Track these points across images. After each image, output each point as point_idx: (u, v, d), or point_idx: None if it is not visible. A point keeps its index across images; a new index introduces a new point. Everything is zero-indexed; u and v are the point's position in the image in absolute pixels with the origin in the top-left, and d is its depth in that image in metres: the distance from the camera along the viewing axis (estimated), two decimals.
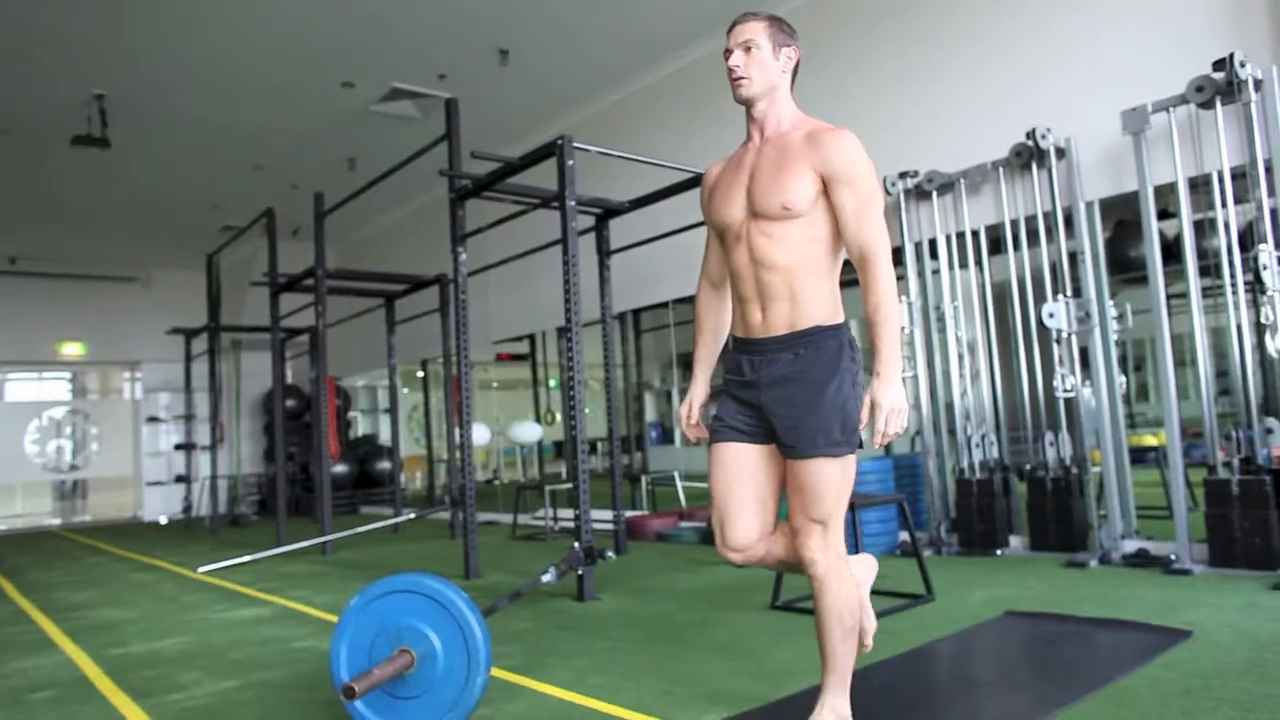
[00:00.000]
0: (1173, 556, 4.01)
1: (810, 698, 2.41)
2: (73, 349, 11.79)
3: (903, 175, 5.09)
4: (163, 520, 11.24)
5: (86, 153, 6.98)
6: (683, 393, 13.99)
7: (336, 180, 7.93)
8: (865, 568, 2.27)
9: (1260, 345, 3.88)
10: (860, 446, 2.05)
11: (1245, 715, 2.08)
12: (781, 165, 2.02)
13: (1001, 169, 4.74)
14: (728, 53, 2.11)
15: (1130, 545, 4.27)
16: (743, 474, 2.09)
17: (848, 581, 2.01)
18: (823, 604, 1.99)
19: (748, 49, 2.07)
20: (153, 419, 12.15)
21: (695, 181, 5.18)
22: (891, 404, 1.92)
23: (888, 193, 5.16)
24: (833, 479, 1.99)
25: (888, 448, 8.25)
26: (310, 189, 7.24)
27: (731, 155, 2.21)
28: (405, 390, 13.90)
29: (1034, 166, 4.60)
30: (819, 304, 2.01)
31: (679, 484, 8.20)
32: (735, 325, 2.16)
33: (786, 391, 2.00)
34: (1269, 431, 3.86)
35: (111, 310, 11.85)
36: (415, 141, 6.06)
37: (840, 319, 2.05)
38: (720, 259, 2.22)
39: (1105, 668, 2.52)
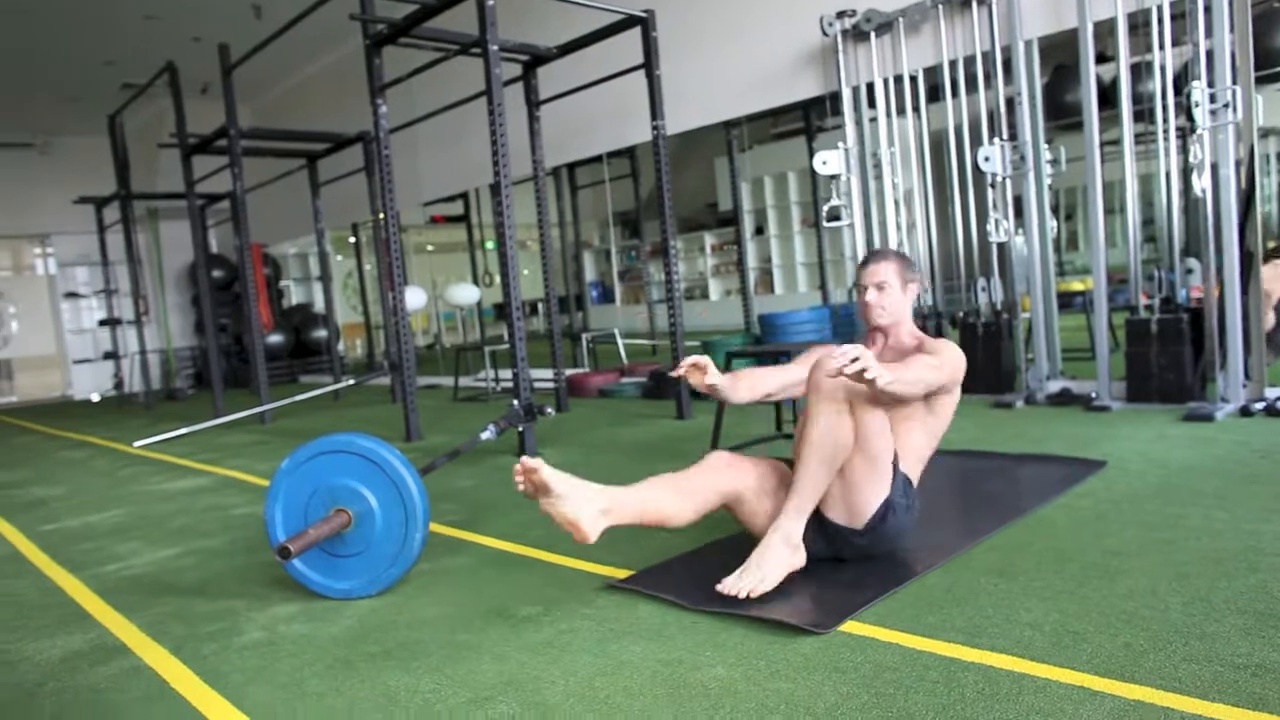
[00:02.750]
0: (1093, 394, 4.18)
1: (740, 541, 2.49)
2: None
3: (840, 15, 4.89)
4: (95, 398, 10.98)
5: None
6: (622, 251, 13.84)
7: (243, 31, 7.33)
8: None
9: (1186, 189, 3.92)
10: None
11: (1150, 534, 2.21)
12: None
13: (941, 6, 4.58)
14: (862, 288, 2.37)
15: (1055, 385, 4.43)
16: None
17: (843, 418, 2.02)
18: (805, 429, 2.04)
19: (880, 287, 2.35)
20: (71, 294, 11.64)
21: (626, 24, 4.93)
22: (873, 369, 1.86)
23: (824, 33, 4.97)
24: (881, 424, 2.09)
25: (825, 297, 8.37)
26: (214, 41, 6.71)
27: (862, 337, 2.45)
28: (339, 257, 13.52)
29: (974, 3, 4.45)
30: (907, 461, 2.23)
31: (619, 341, 8.23)
32: None
33: None
34: (1189, 272, 3.96)
35: (10, 180, 11.08)
36: None
37: (914, 480, 2.24)
38: (782, 379, 2.47)
39: (1026, 498, 2.65)
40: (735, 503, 2.21)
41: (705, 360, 2.26)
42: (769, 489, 2.21)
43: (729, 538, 2.48)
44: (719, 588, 1.99)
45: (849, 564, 2.17)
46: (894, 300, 2.35)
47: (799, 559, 2.06)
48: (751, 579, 1.98)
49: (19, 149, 11.11)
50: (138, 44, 8.41)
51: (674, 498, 2.12)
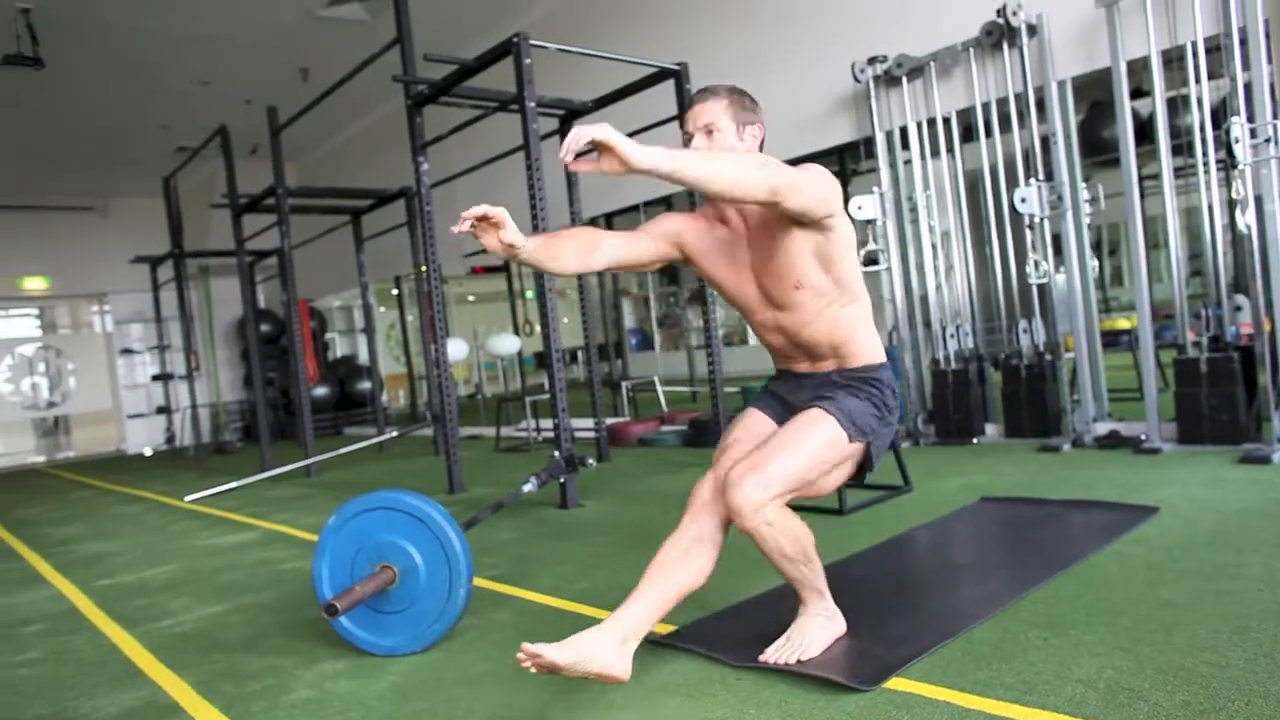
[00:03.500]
0: (1143, 436, 4.09)
1: (787, 589, 2.47)
2: (36, 283, 11.53)
3: (871, 61, 4.94)
4: (147, 452, 11.24)
5: (22, 74, 6.65)
6: (661, 297, 13.86)
7: (291, 94, 7.63)
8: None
9: (1231, 223, 3.86)
10: (870, 470, 2.04)
11: (1206, 584, 2.15)
12: (774, 252, 1.93)
13: (972, 50, 4.61)
14: (688, 136, 1.95)
15: (1102, 428, 4.34)
16: (751, 431, 2.09)
17: (778, 523, 1.86)
18: (766, 552, 1.91)
19: (709, 133, 1.93)
20: (127, 351, 11.99)
21: (660, 77, 5.02)
22: (599, 132, 1.55)
23: (856, 80, 5.02)
24: (818, 441, 1.90)
25: None
26: (264, 104, 6.98)
27: (704, 214, 2.06)
28: (382, 309, 13.78)
29: (1005, 46, 4.48)
30: (859, 348, 2.03)
31: (659, 389, 8.24)
32: (775, 359, 2.17)
33: (821, 390, 2.03)
34: (1238, 309, 3.88)
35: (72, 241, 11.54)
36: (369, 48, 5.80)
37: (881, 358, 2.06)
38: (624, 248, 1.98)
39: (1076, 546, 2.59)
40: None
41: (497, 212, 1.66)
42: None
43: (769, 591, 2.46)
44: (762, 659, 1.95)
45: (893, 617, 2.14)
46: (728, 143, 1.93)
47: (838, 626, 2.03)
48: (794, 650, 1.95)
49: (82, 211, 11.59)
50: (192, 108, 8.76)
51: (682, 568, 1.89)
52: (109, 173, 10.82)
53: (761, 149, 2.01)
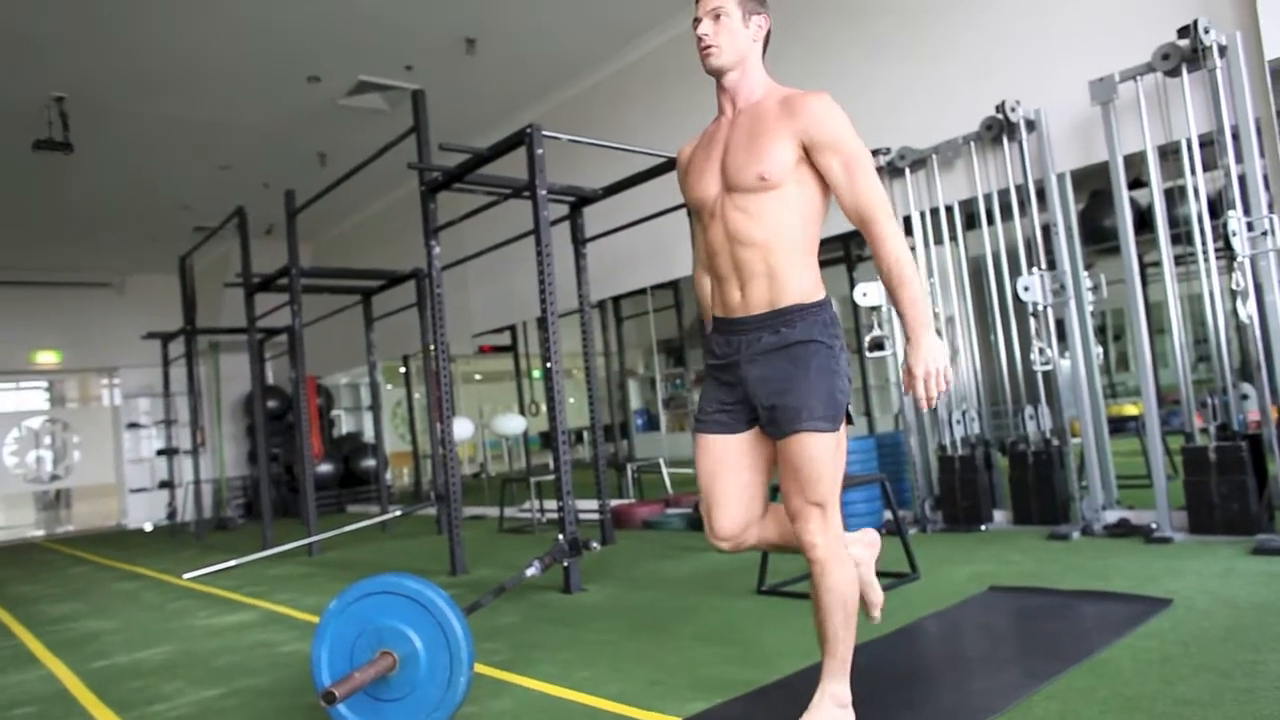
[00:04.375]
0: (1153, 525, 4.04)
1: (800, 680, 2.42)
2: (48, 358, 11.65)
3: (875, 152, 5.07)
4: (148, 527, 11.15)
5: (50, 157, 6.86)
6: (666, 379, 13.84)
7: (308, 177, 7.84)
8: (867, 546, 2.24)
9: (1234, 311, 3.90)
10: (851, 423, 2.00)
11: (1223, 681, 2.10)
12: (756, 135, 1.95)
13: (973, 143, 4.73)
14: (696, 21, 2.02)
15: (1112, 515, 4.30)
16: (726, 464, 2.04)
17: (848, 564, 1.95)
18: (823, 588, 1.92)
19: (716, 17, 1.99)
20: (133, 425, 12.03)
21: (668, 166, 5.16)
22: (928, 366, 1.85)
23: None
24: (823, 457, 1.91)
25: (872, 428, 8.30)
26: (282, 187, 7.16)
27: (705, 131, 2.15)
28: (389, 386, 13.84)
29: (1005, 140, 4.60)
30: (799, 281, 1.94)
31: (664, 471, 8.20)
32: (714, 305, 2.08)
33: (768, 370, 1.95)
34: (1244, 397, 3.89)
35: (86, 317, 11.71)
36: (385, 135, 6.00)
37: (821, 295, 1.98)
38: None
39: (1088, 639, 2.54)
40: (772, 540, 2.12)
41: (939, 377, 1.91)
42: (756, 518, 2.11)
43: (780, 681, 2.41)
44: None
45: (904, 712, 2.09)
46: (734, 34, 1.99)
47: (848, 717, 1.98)
48: None
49: (98, 288, 11.80)
50: (212, 190, 9.00)
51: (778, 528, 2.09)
52: (128, 250, 11.05)
53: (768, 40, 2.07)
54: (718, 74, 2.04)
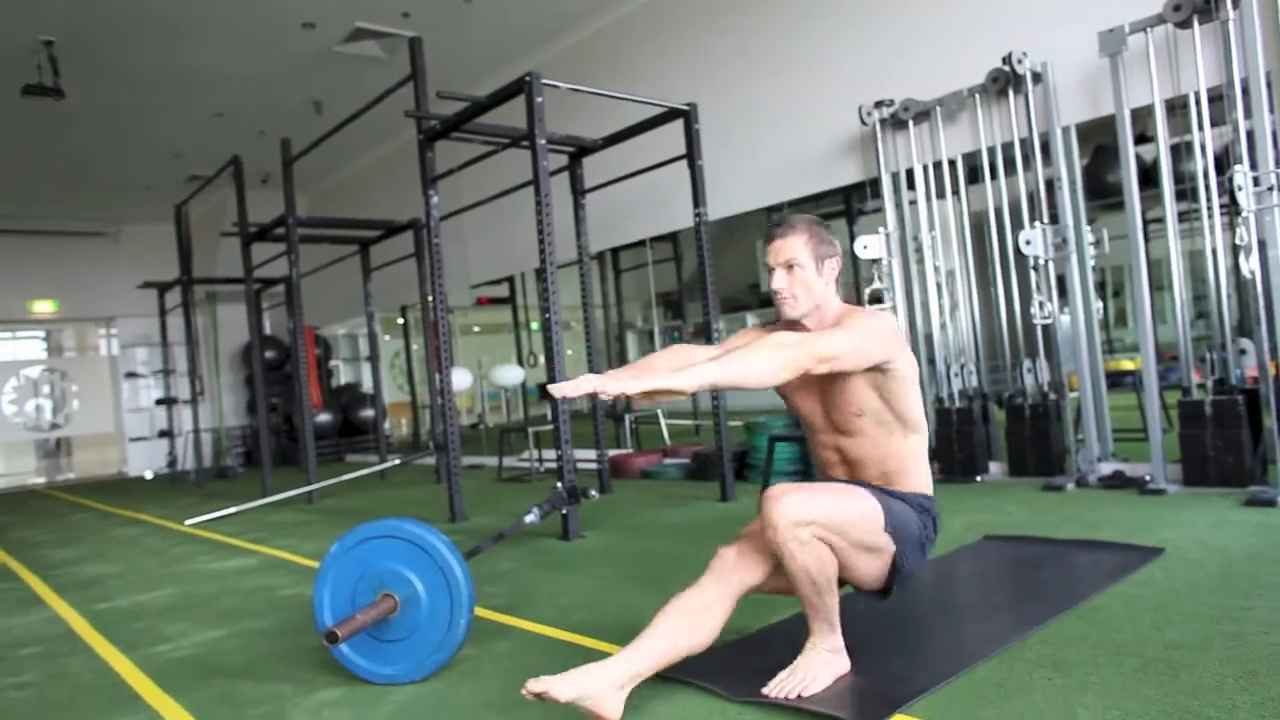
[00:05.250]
0: (1147, 477, 4.08)
1: (793, 625, 2.45)
2: (45, 307, 11.61)
3: (878, 104, 5.01)
4: (148, 475, 11.22)
5: (41, 103, 6.76)
6: (665, 331, 13.82)
7: (304, 126, 7.74)
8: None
9: (1235, 267, 3.89)
10: (896, 556, 2.02)
11: (1213, 626, 2.13)
12: (836, 377, 2.02)
13: (978, 95, 4.67)
14: (770, 269, 2.08)
15: (1106, 468, 4.34)
16: None
17: (810, 545, 1.89)
18: (787, 569, 1.92)
19: (790, 268, 2.05)
20: (131, 375, 12.04)
21: (669, 116, 5.10)
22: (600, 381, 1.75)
23: (863, 122, 5.08)
24: (856, 500, 1.98)
25: None
26: (277, 135, 7.07)
27: (774, 327, 2.17)
28: (387, 337, 13.83)
29: (1010, 92, 4.54)
30: (910, 479, 2.10)
31: (662, 422, 8.24)
32: (820, 472, 2.25)
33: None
34: (1242, 352, 3.89)
35: (82, 266, 11.64)
36: (382, 83, 5.90)
37: (929, 490, 2.14)
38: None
39: (1080, 587, 2.57)
40: (757, 590, 2.09)
41: (593, 381, 1.76)
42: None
43: (772, 626, 2.45)
44: (764, 691, 1.94)
45: (897, 653, 2.13)
46: (809, 285, 2.05)
47: (843, 664, 2.02)
48: (797, 682, 1.94)
49: (93, 237, 11.71)
50: (206, 138, 8.88)
51: (690, 628, 1.95)
52: (122, 199, 10.95)
53: (835, 278, 2.12)
54: (793, 322, 2.10)
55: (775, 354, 1.84)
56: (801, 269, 2.03)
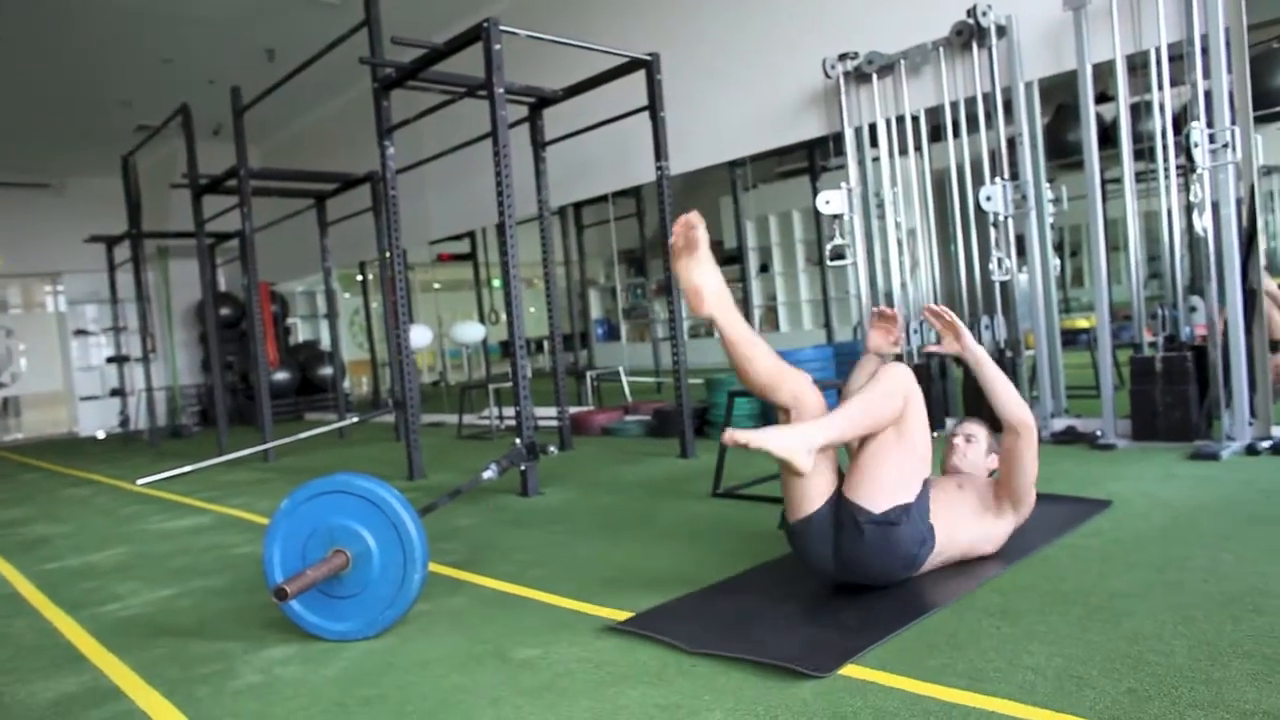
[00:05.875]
0: (1098, 433, 4.15)
1: (750, 578, 2.47)
2: None
3: (842, 57, 4.95)
4: (100, 435, 11.00)
5: None
6: (627, 288, 13.74)
7: (256, 75, 7.45)
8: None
9: (1189, 227, 3.93)
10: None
11: (1155, 575, 2.18)
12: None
13: (942, 49, 4.63)
14: (953, 437, 2.69)
15: (1059, 423, 4.41)
16: None
17: (898, 395, 2.18)
18: (871, 384, 2.24)
19: (969, 440, 2.65)
20: (81, 332, 11.72)
21: (632, 66, 5.00)
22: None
23: (827, 75, 5.03)
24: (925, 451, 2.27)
25: (830, 337, 8.37)
26: (228, 84, 6.83)
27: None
28: (346, 295, 13.61)
29: (975, 46, 4.51)
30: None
31: (624, 379, 8.23)
32: None
33: None
34: (1193, 310, 3.96)
35: (24, 219, 11.21)
36: (336, 30, 5.70)
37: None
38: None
39: (1030, 538, 2.61)
40: (796, 411, 2.24)
41: (762, 439, 2.13)
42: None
43: (731, 579, 2.46)
44: (724, 438, 2.09)
45: (850, 605, 2.15)
46: (977, 459, 2.61)
47: (802, 460, 2.09)
48: (754, 434, 2.07)
49: (35, 189, 11.27)
50: (154, 86, 8.56)
51: (767, 354, 2.27)
52: (65, 150, 10.53)
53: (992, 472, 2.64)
54: (956, 473, 2.61)
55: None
56: (978, 444, 2.70)
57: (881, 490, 2.14)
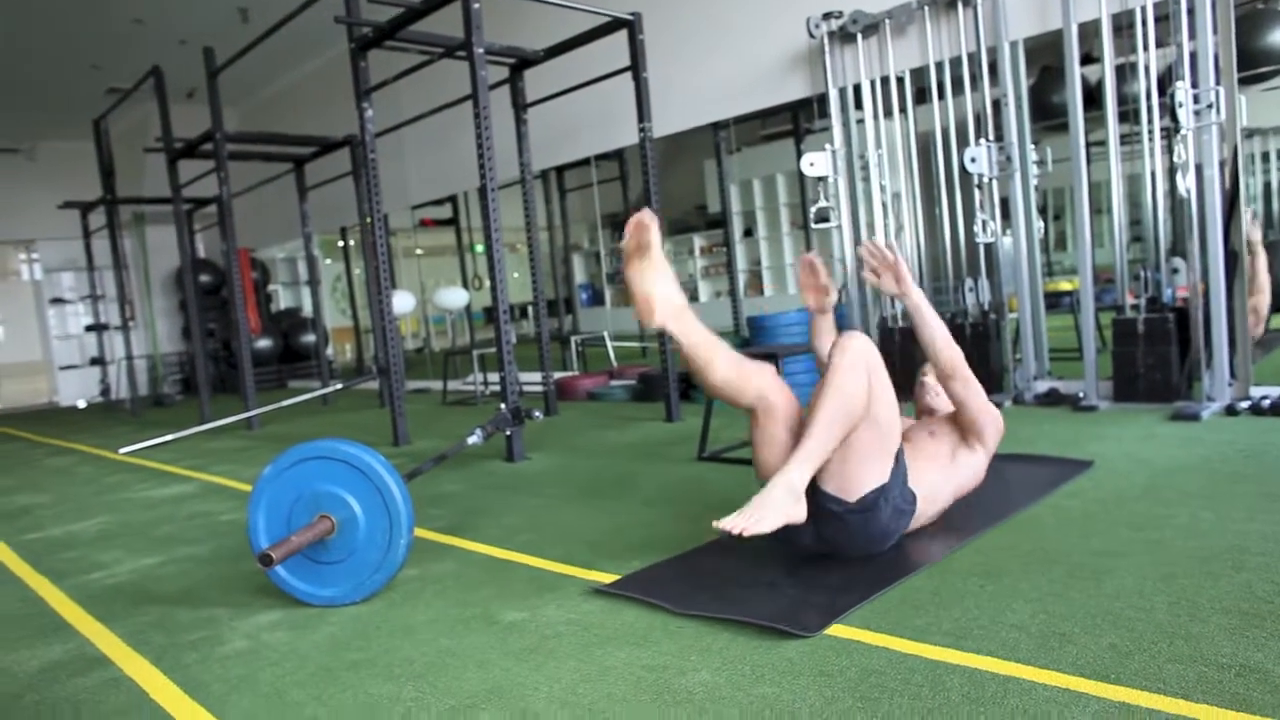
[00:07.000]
0: (1081, 394, 4.19)
1: (734, 540, 2.48)
2: None
3: (827, 16, 4.89)
4: (81, 404, 10.90)
5: None
6: (611, 253, 13.69)
7: (230, 35, 7.30)
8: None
9: (1172, 190, 3.93)
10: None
11: (1137, 534, 2.21)
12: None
13: (927, 8, 4.58)
14: (923, 376, 2.75)
15: (1042, 386, 4.44)
16: None
17: (858, 372, 2.06)
18: (829, 380, 2.06)
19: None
20: (57, 300, 11.56)
21: (614, 26, 4.93)
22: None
23: (811, 35, 4.97)
24: (894, 413, 2.17)
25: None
26: (201, 45, 6.68)
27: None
28: (328, 260, 13.47)
29: (960, 4, 4.46)
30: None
31: (609, 344, 8.22)
32: None
33: None
34: (1175, 271, 3.97)
35: None
36: None
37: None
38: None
39: (1013, 498, 2.64)
40: (763, 411, 2.17)
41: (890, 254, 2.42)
42: (792, 424, 2.17)
43: (716, 542, 2.47)
44: (716, 524, 1.95)
45: (835, 566, 2.16)
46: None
47: (798, 512, 2.02)
48: (747, 519, 1.95)
49: (6, 154, 11.03)
50: (124, 48, 8.36)
51: (726, 357, 2.17)
52: (36, 114, 10.29)
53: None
54: (930, 412, 2.74)
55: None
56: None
57: (855, 478, 2.09)
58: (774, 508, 1.97)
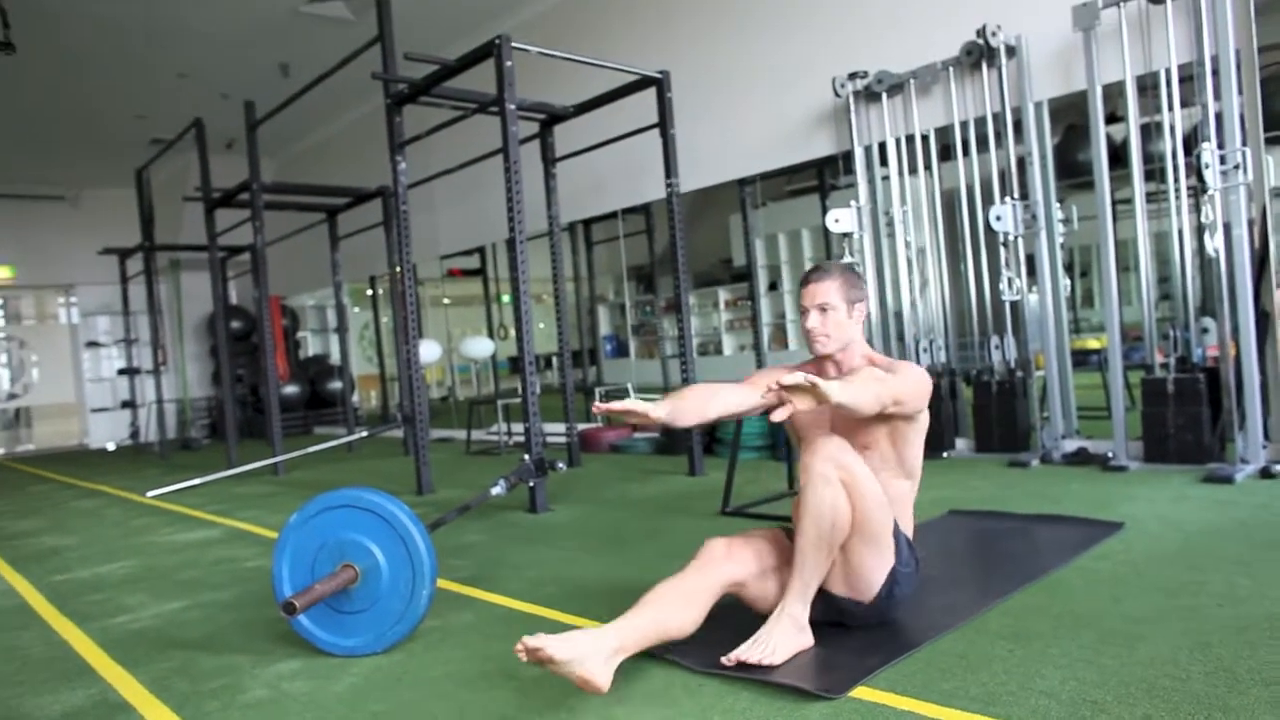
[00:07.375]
0: (1110, 454, 4.13)
1: None
2: (1, 273, 11.30)
3: (852, 76, 4.97)
4: (110, 447, 11.04)
5: None
6: (637, 305, 13.77)
7: (270, 89, 7.54)
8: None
9: (1200, 248, 3.92)
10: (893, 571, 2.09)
11: (1170, 600, 2.16)
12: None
13: (952, 69, 4.65)
14: (804, 311, 2.18)
15: (1070, 445, 4.38)
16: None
17: (833, 485, 1.94)
18: (801, 503, 1.97)
19: (823, 310, 2.15)
20: (93, 344, 11.79)
21: (642, 84, 5.03)
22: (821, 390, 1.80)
23: (837, 94, 5.04)
24: (878, 490, 2.04)
25: None
26: (242, 98, 6.90)
27: (803, 366, 2.28)
28: (356, 309, 13.65)
29: (984, 66, 4.52)
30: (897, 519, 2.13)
31: (633, 396, 8.21)
32: None
33: None
34: (1204, 331, 3.94)
35: (39, 231, 11.33)
36: (350, 46, 5.76)
37: (911, 536, 2.18)
38: (735, 398, 2.15)
39: (1042, 560, 2.60)
40: (738, 590, 2.13)
41: (634, 404, 1.93)
42: (770, 568, 2.14)
43: (735, 600, 2.44)
44: (724, 659, 1.93)
45: (859, 626, 2.13)
46: (839, 324, 2.15)
47: (805, 640, 2.01)
48: (759, 652, 1.93)
49: (51, 201, 11.37)
50: (169, 100, 8.65)
51: (678, 609, 1.98)
52: (81, 162, 10.65)
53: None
54: (828, 360, 2.21)
55: (877, 386, 1.95)
56: (834, 310, 2.15)
57: (863, 579, 2.05)
58: (782, 640, 1.96)
